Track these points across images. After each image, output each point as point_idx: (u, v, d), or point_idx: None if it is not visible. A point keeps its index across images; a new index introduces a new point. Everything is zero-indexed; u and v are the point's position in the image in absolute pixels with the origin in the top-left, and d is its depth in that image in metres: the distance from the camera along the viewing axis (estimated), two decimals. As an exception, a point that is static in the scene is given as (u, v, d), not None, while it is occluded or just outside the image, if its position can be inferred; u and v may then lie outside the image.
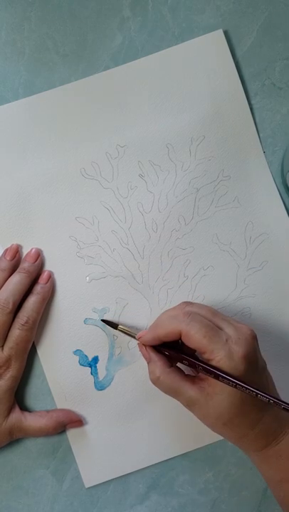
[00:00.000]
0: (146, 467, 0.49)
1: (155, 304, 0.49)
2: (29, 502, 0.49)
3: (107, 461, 0.48)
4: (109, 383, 0.48)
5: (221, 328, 0.40)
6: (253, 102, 0.50)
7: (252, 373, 0.39)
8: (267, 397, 0.37)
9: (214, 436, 0.49)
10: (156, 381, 0.42)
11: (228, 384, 0.38)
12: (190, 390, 0.40)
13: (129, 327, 0.47)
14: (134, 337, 0.45)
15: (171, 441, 0.49)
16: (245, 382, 0.38)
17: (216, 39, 0.49)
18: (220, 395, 0.39)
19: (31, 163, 0.49)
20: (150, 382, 0.45)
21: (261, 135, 0.50)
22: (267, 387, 0.41)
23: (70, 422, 0.47)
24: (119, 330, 0.47)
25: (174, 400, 0.48)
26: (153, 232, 0.49)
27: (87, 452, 0.48)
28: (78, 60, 0.49)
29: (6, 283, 0.46)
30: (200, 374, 0.42)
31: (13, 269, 0.47)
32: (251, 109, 0.50)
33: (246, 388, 0.38)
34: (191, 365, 0.41)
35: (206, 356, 0.39)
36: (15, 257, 0.48)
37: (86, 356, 0.48)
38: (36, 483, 0.49)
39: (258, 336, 0.44)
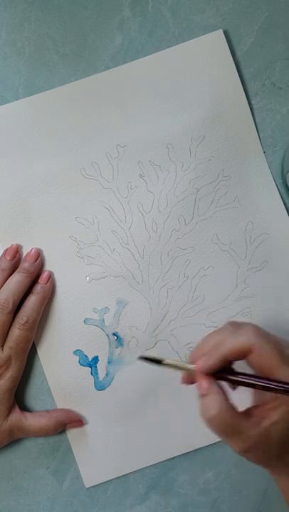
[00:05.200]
0: (146, 467, 0.49)
1: (155, 304, 0.49)
2: (29, 502, 0.49)
3: (107, 461, 0.48)
4: (109, 383, 0.48)
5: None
6: (253, 102, 0.50)
7: None
8: None
9: (214, 437, 0.49)
10: (213, 419, 0.35)
11: None
12: (251, 427, 0.35)
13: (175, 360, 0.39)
14: (186, 368, 0.38)
15: (171, 441, 0.49)
16: None
17: (216, 39, 0.49)
18: (277, 425, 0.35)
19: (31, 163, 0.49)
20: (150, 383, 0.45)
21: (261, 135, 0.50)
22: None
23: (70, 422, 0.47)
24: (165, 365, 0.38)
25: (174, 400, 0.48)
26: (153, 232, 0.49)
27: (87, 452, 0.48)
28: (78, 60, 0.49)
29: (6, 283, 0.46)
30: (252, 409, 0.37)
31: (13, 269, 0.47)
32: (251, 109, 0.50)
33: None
34: (264, 387, 0.35)
35: (273, 377, 0.36)
36: (15, 257, 0.48)
37: (86, 356, 0.48)
38: (36, 483, 0.49)
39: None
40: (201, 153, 0.49)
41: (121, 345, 0.49)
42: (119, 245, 0.49)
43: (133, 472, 0.49)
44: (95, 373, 0.48)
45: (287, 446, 0.36)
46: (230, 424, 0.35)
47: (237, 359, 0.37)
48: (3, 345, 0.45)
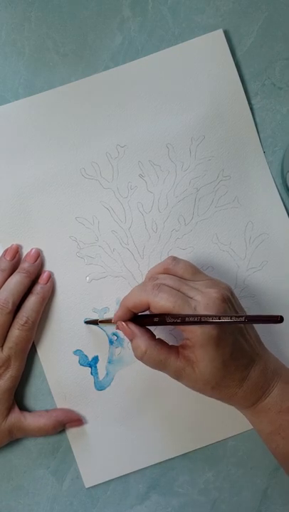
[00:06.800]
0: (146, 467, 0.49)
1: (155, 304, 0.49)
2: (29, 502, 0.49)
3: (107, 461, 0.48)
4: (109, 383, 0.48)
5: (189, 297, 0.40)
6: (253, 102, 0.50)
7: (224, 335, 0.39)
8: (242, 318, 0.36)
9: (214, 437, 0.49)
10: (142, 356, 0.41)
11: (214, 323, 0.37)
12: (177, 360, 0.41)
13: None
14: (111, 321, 0.44)
15: (171, 441, 0.49)
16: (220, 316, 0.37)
17: (216, 39, 0.49)
18: (202, 362, 0.40)
19: (31, 163, 0.49)
20: (150, 382, 0.45)
21: (261, 135, 0.50)
22: (243, 347, 0.41)
23: (69, 422, 0.47)
24: (100, 323, 0.47)
25: (173, 399, 0.48)
26: (153, 232, 0.49)
27: (87, 452, 0.48)
28: (78, 60, 0.49)
29: (6, 283, 0.46)
30: (182, 342, 0.41)
31: (13, 269, 0.47)
32: (251, 109, 0.50)
33: (231, 321, 0.36)
34: (174, 321, 0.39)
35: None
36: (15, 257, 0.48)
37: (86, 356, 0.48)
38: (36, 483, 0.49)
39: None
40: (201, 153, 0.49)
41: (121, 345, 0.49)
42: (119, 245, 0.49)
43: (133, 472, 0.49)
44: (94, 373, 0.48)
45: (217, 378, 0.40)
46: (158, 359, 0.41)
47: (143, 310, 0.42)
48: (2, 346, 0.45)
